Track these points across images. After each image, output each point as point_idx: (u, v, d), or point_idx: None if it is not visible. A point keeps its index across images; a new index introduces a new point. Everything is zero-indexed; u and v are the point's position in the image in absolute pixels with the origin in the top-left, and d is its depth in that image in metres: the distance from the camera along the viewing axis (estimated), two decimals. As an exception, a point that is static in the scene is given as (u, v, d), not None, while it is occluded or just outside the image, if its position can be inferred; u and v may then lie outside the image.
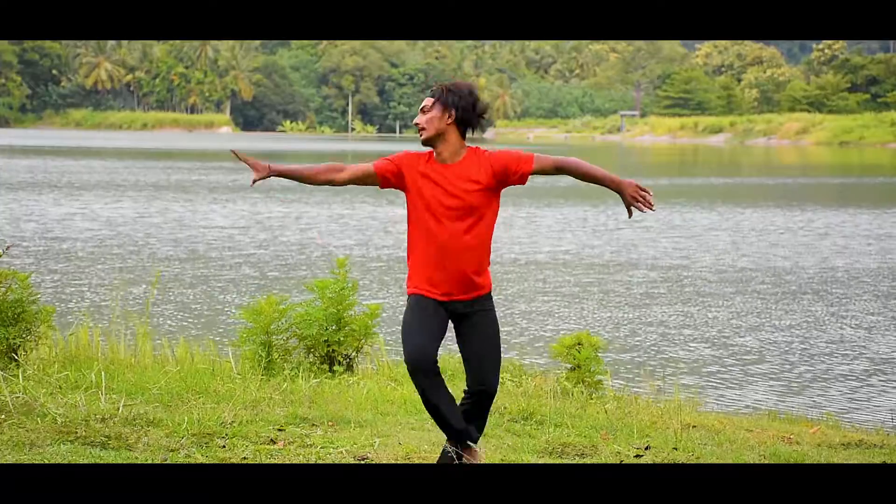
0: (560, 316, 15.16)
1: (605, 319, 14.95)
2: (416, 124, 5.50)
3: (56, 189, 36.40)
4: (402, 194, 5.61)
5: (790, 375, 12.00)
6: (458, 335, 5.63)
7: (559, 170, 5.52)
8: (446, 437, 5.64)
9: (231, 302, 15.70)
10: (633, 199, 5.48)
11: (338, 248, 22.21)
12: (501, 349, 5.65)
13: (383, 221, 27.60)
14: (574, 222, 28.12)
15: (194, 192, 36.72)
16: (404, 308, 5.59)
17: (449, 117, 5.45)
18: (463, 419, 5.58)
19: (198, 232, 24.79)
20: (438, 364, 5.50)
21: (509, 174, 5.47)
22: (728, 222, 28.65)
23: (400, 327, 5.65)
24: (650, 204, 5.48)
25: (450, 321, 5.61)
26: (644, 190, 5.48)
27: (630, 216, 5.64)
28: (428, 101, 5.50)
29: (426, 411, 5.64)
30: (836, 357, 12.94)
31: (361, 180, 5.52)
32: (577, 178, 5.56)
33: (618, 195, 5.54)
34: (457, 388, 6.57)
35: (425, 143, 5.48)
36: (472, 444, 5.61)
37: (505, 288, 17.40)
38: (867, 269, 20.27)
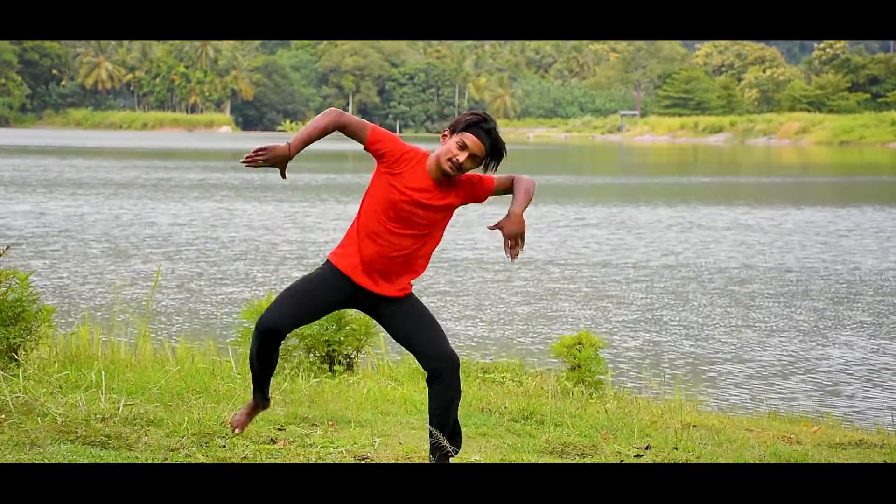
0: (560, 315, 15.16)
1: (606, 319, 14.95)
2: (459, 162, 5.27)
3: (60, 188, 36.42)
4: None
5: (791, 374, 12.00)
6: (383, 323, 5.46)
7: (513, 183, 5.43)
8: (254, 398, 5.57)
9: (232, 301, 15.70)
10: (506, 239, 5.36)
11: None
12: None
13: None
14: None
15: (195, 190, 36.75)
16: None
17: (476, 167, 5.38)
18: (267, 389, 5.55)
19: (198, 230, 24.79)
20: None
21: (475, 195, 5.42)
22: (735, 221, 28.68)
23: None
24: (514, 254, 5.36)
25: (369, 315, 5.49)
26: (516, 243, 5.34)
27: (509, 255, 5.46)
28: (480, 152, 5.30)
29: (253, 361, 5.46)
30: (836, 357, 12.94)
31: (355, 134, 5.29)
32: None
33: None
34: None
35: (449, 176, 5.31)
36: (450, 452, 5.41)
37: (498, 287, 17.40)
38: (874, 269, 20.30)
